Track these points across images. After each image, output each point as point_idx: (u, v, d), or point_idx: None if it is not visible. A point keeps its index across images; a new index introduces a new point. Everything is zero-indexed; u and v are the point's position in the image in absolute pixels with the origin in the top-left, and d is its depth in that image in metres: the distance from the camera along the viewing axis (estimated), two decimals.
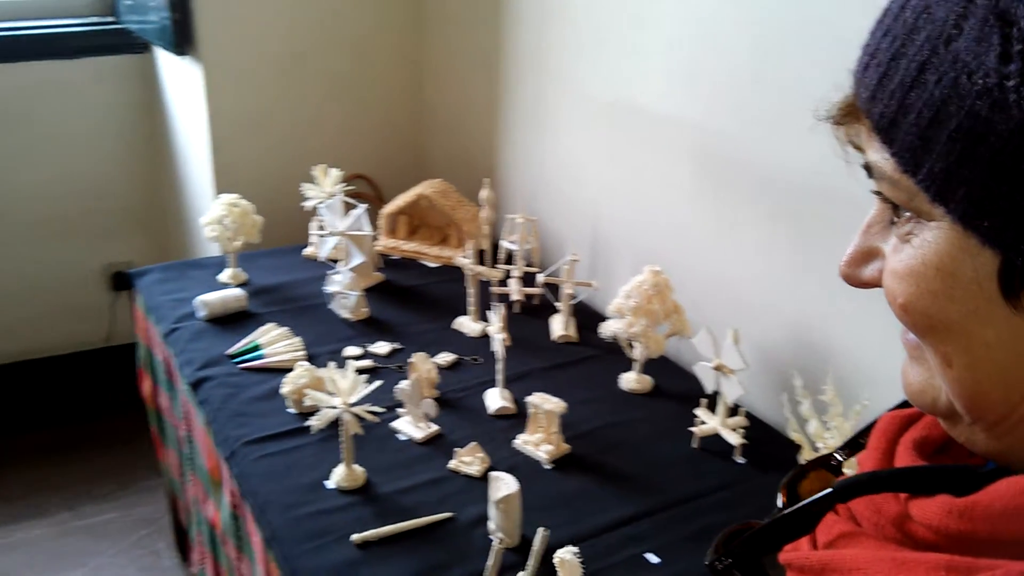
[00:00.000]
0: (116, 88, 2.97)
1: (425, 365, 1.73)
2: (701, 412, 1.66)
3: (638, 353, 1.80)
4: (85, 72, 2.91)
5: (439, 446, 1.62)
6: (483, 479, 1.51)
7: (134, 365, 2.36)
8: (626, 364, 1.85)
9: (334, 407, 1.46)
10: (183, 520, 2.32)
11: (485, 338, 1.97)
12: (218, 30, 2.44)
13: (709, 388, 1.63)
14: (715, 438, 1.63)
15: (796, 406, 1.51)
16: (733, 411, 1.64)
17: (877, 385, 1.49)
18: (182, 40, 2.45)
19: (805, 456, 1.50)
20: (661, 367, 1.87)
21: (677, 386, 1.83)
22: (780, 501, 0.64)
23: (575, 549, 1.33)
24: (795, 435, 1.52)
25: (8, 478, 2.78)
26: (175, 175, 2.97)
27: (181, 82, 2.69)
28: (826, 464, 0.67)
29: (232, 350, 1.90)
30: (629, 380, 1.82)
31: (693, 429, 1.64)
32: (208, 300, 2.03)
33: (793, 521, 0.60)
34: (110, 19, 2.93)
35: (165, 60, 2.82)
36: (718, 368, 1.59)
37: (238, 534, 1.63)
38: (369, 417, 1.47)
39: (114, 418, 3.01)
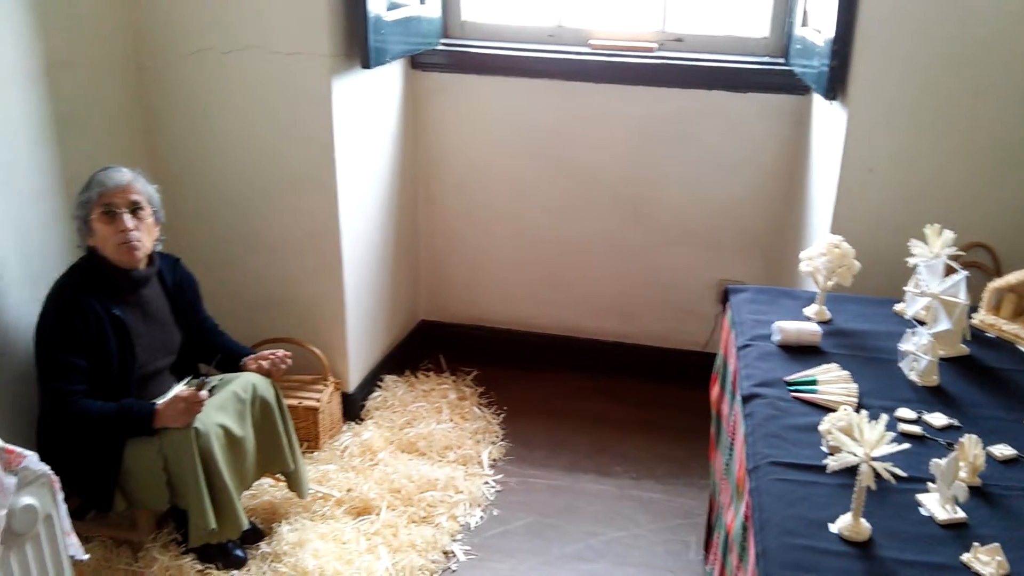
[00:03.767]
0: (771, 123, 3.23)
1: (973, 450, 1.63)
2: None
3: None
4: (749, 105, 3.22)
5: (959, 534, 1.52)
6: None
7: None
8: None
9: (854, 454, 1.48)
10: (713, 521, 2.49)
11: None
12: (869, 81, 2.52)
13: None
14: None
15: None
16: None
17: None
18: (834, 86, 2.58)
19: None
20: None
21: None
22: None
23: None
24: None
25: (586, 438, 3.27)
26: (799, 209, 3.13)
27: (826, 125, 2.83)
28: None
29: (791, 378, 2.00)
30: None
31: None
32: (785, 327, 2.15)
33: None
34: (780, 60, 3.19)
35: (817, 103, 2.98)
36: None
37: (743, 544, 1.74)
38: (886, 475, 1.46)
39: (688, 414, 3.30)
